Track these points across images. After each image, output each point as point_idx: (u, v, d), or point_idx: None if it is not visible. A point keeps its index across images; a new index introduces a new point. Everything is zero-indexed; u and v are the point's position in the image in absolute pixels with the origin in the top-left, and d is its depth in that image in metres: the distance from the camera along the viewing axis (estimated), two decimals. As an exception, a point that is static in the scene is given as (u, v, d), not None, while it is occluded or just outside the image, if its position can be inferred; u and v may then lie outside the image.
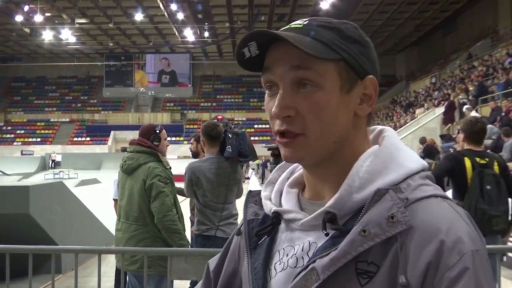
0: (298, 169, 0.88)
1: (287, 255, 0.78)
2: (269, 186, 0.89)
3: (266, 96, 0.79)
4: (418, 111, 22.76)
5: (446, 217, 0.68)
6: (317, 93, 0.73)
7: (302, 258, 0.75)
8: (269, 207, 0.83)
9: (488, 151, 4.44)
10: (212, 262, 0.98)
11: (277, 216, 0.81)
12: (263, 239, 0.83)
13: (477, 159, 3.71)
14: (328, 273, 0.69)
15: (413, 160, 0.77)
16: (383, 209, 0.69)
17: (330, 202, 0.73)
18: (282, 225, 0.82)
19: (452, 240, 0.65)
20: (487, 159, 3.75)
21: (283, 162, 0.89)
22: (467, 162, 3.69)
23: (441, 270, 0.64)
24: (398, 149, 0.78)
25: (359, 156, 0.76)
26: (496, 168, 3.72)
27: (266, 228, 0.82)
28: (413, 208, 0.69)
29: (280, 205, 0.83)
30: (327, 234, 0.72)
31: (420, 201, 0.70)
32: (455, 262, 0.64)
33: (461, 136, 3.89)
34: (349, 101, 0.76)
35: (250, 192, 0.91)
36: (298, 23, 0.77)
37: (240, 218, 3.45)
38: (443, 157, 3.94)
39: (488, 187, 3.64)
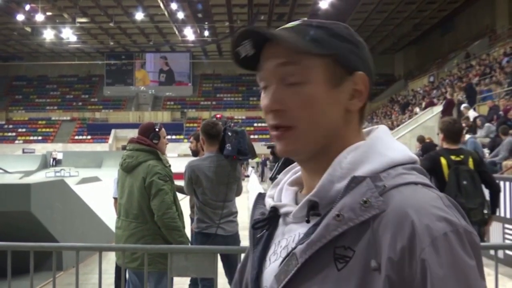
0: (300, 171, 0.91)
1: (281, 246, 0.80)
2: (275, 187, 0.91)
3: (261, 95, 0.82)
4: (416, 109, 22.97)
5: (420, 200, 0.68)
6: (305, 86, 0.76)
7: (292, 248, 0.77)
8: (269, 203, 0.87)
9: (463, 147, 4.71)
10: (238, 267, 1.01)
11: (275, 211, 0.84)
12: (262, 232, 0.86)
13: (452, 157, 3.95)
14: (305, 257, 0.71)
15: (398, 151, 0.77)
16: (357, 195, 0.70)
17: (313, 191, 0.76)
18: (280, 220, 0.84)
19: (424, 222, 0.64)
20: (462, 156, 3.99)
21: (290, 166, 0.94)
22: (443, 161, 3.93)
23: (414, 253, 0.63)
24: (382, 141, 0.78)
25: None
26: (471, 164, 3.96)
27: (262, 221, 0.85)
28: (389, 194, 0.70)
29: (280, 201, 0.86)
30: (307, 221, 0.75)
31: (397, 188, 0.70)
32: (427, 244, 0.63)
33: (441, 135, 4.13)
34: (338, 96, 0.77)
35: (259, 194, 0.94)
36: (290, 24, 0.80)
37: (239, 216, 3.76)
38: (422, 158, 4.17)
39: (464, 182, 3.87)
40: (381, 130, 0.82)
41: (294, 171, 0.91)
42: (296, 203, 0.83)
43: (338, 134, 0.78)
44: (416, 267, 0.63)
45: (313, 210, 0.74)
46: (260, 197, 0.93)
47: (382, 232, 0.67)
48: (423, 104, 22.31)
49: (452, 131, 4.07)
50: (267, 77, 0.79)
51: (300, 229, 0.77)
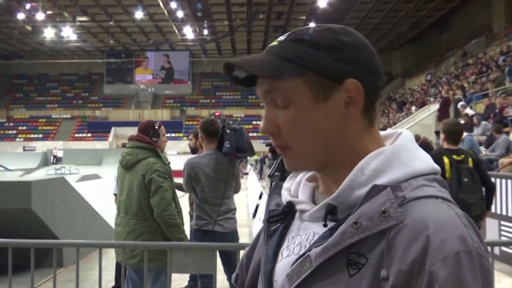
0: None
1: (294, 242, 0.80)
2: (292, 178, 0.91)
3: None
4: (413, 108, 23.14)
5: (439, 215, 0.67)
6: (289, 109, 0.76)
7: (305, 246, 0.77)
8: (285, 197, 0.87)
9: (462, 148, 4.94)
10: (246, 250, 1.01)
11: (291, 206, 0.84)
12: (276, 226, 0.86)
13: (454, 157, 4.25)
14: (320, 261, 0.70)
15: (421, 161, 0.76)
16: (376, 204, 0.69)
17: (333, 195, 0.75)
18: (297, 215, 0.84)
19: (440, 238, 0.63)
20: (462, 156, 4.29)
21: None
22: (445, 159, 4.21)
23: (424, 267, 0.63)
24: (407, 150, 0.76)
25: (362, 154, 0.76)
26: (470, 163, 4.27)
27: (278, 215, 0.85)
28: (409, 206, 0.68)
29: (297, 196, 0.86)
30: (325, 225, 0.74)
31: (418, 200, 0.69)
32: (438, 260, 0.62)
33: (442, 136, 4.41)
34: (329, 108, 0.75)
35: (276, 184, 0.94)
36: (277, 40, 0.79)
37: (238, 214, 4.02)
38: None
39: (465, 179, 4.18)
40: (405, 137, 0.80)
41: None
42: (313, 200, 0.83)
43: (343, 143, 0.77)
44: (423, 281, 0.62)
45: (331, 213, 0.74)
46: (277, 187, 0.93)
47: (397, 244, 0.66)
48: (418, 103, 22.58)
49: (453, 133, 4.34)
50: (261, 99, 0.80)
51: (315, 228, 0.78)
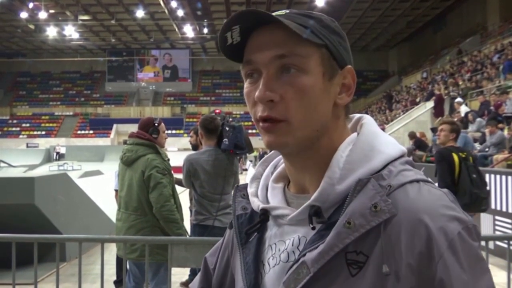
0: (281, 163, 0.86)
1: (279, 250, 0.77)
2: (255, 182, 0.87)
3: (246, 84, 0.76)
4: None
5: (428, 200, 0.66)
6: (302, 77, 0.71)
7: (293, 252, 0.74)
8: (256, 204, 0.82)
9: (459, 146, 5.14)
10: (210, 255, 0.98)
11: (265, 213, 0.80)
12: (253, 235, 0.82)
13: (460, 154, 4.47)
14: (318, 266, 0.68)
15: (392, 146, 0.75)
16: (365, 199, 0.67)
17: (314, 196, 0.71)
18: (271, 220, 0.80)
19: (438, 225, 0.63)
20: (465, 154, 4.52)
21: (266, 156, 0.90)
22: (455, 157, 4.43)
23: (433, 258, 0.62)
24: (377, 136, 0.75)
25: (338, 146, 0.74)
26: (471, 160, 4.52)
27: (255, 226, 0.81)
28: (396, 195, 0.67)
29: (267, 201, 0.82)
30: (313, 228, 0.71)
31: (403, 187, 0.68)
32: (445, 247, 0.62)
33: (453, 134, 4.59)
34: (331, 89, 0.74)
35: (237, 187, 0.89)
36: (280, 11, 0.75)
37: None
38: (438, 160, 4.57)
39: (474, 175, 4.40)
40: (370, 123, 0.79)
41: (273, 164, 0.88)
42: (286, 202, 0.80)
43: (327, 128, 0.75)
44: (435, 272, 0.62)
45: (316, 215, 0.71)
46: (238, 189, 0.89)
47: (395, 237, 0.65)
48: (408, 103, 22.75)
49: (458, 131, 4.67)
50: (258, 67, 0.73)
51: (298, 232, 0.75)
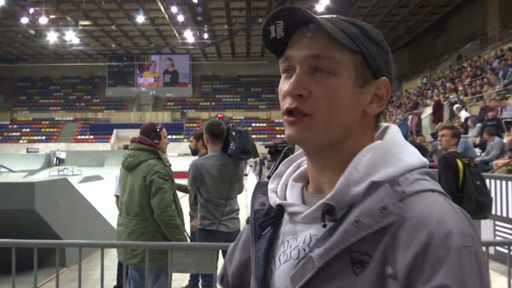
0: (304, 164, 0.87)
1: (291, 246, 0.78)
2: (276, 179, 0.88)
3: (282, 79, 0.79)
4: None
5: (438, 210, 0.67)
6: (332, 78, 0.74)
7: (304, 250, 0.75)
8: (273, 199, 0.83)
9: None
10: (230, 249, 1.00)
11: (281, 209, 0.81)
12: (267, 230, 0.83)
13: (464, 160, 4.40)
14: (323, 262, 0.69)
15: (413, 155, 0.76)
16: (376, 200, 0.68)
17: (329, 195, 0.73)
18: (286, 217, 0.81)
19: (442, 233, 0.63)
20: (468, 160, 4.47)
21: (290, 157, 0.92)
22: (459, 163, 4.35)
23: (426, 262, 0.62)
24: (399, 144, 0.77)
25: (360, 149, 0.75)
26: (472, 166, 4.46)
27: (269, 220, 0.83)
28: (409, 201, 0.68)
29: (285, 198, 0.83)
30: (324, 226, 0.72)
31: (416, 195, 0.69)
32: (441, 255, 0.62)
33: (455, 139, 4.53)
34: (360, 96, 0.76)
35: (259, 183, 0.92)
36: (326, 16, 0.77)
37: (241, 213, 4.27)
38: (443, 166, 4.43)
39: (478, 182, 4.31)
40: (394, 131, 0.80)
41: (296, 164, 0.89)
42: (303, 201, 0.81)
43: (352, 135, 0.76)
44: (427, 274, 0.62)
45: (329, 213, 0.72)
46: (259, 185, 0.91)
47: (401, 240, 0.65)
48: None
49: (460, 136, 4.63)
50: (293, 64, 0.76)
51: (311, 230, 0.76)
